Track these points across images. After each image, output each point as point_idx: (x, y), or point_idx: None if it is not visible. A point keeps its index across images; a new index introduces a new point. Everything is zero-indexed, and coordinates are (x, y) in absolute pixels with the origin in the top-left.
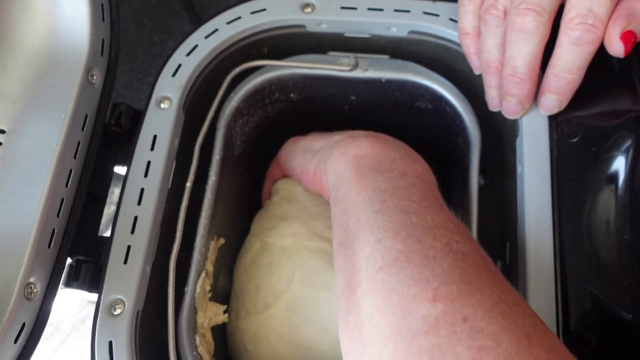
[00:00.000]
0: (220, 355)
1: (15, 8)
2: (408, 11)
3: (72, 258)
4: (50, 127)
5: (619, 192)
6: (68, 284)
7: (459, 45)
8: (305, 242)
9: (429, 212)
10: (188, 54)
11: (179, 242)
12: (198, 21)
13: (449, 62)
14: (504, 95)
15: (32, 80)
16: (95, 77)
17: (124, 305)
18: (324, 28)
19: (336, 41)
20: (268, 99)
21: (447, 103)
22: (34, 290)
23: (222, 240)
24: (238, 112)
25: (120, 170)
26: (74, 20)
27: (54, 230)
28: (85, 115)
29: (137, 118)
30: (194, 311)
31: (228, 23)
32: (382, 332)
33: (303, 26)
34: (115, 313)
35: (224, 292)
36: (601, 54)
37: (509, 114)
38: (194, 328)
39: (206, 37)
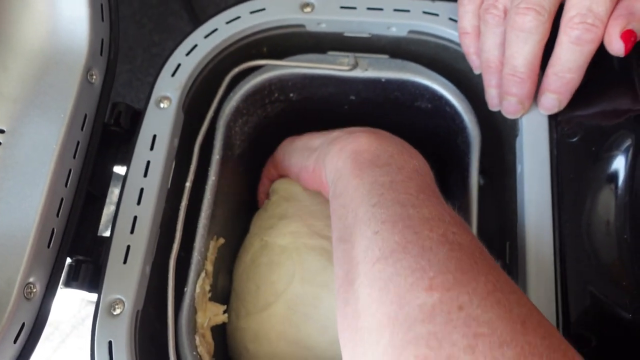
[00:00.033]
0: (220, 355)
1: (15, 8)
2: (408, 11)
3: (71, 258)
4: (49, 126)
5: (619, 191)
6: (67, 284)
7: (458, 44)
8: (305, 241)
9: (425, 205)
10: (187, 54)
11: (178, 242)
12: (197, 21)
13: (448, 62)
14: (504, 94)
15: (31, 80)
16: (94, 77)
17: (124, 305)
18: (323, 28)
19: (336, 41)
20: (267, 99)
21: (447, 103)
22: (34, 290)
23: (221, 240)
24: (237, 112)
25: (119, 170)
26: (73, 20)
27: (53, 230)
28: (84, 115)
29: (136, 118)
30: (193, 311)
31: (227, 23)
32: (380, 321)
33: (302, 26)
34: (114, 313)
35: (224, 292)
36: (601, 53)
37: (508, 114)
38: (193, 328)
39: (205, 36)
